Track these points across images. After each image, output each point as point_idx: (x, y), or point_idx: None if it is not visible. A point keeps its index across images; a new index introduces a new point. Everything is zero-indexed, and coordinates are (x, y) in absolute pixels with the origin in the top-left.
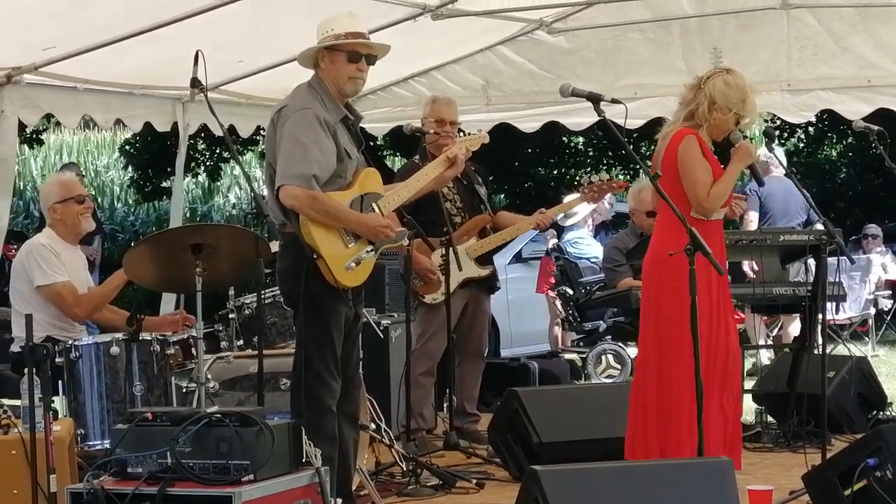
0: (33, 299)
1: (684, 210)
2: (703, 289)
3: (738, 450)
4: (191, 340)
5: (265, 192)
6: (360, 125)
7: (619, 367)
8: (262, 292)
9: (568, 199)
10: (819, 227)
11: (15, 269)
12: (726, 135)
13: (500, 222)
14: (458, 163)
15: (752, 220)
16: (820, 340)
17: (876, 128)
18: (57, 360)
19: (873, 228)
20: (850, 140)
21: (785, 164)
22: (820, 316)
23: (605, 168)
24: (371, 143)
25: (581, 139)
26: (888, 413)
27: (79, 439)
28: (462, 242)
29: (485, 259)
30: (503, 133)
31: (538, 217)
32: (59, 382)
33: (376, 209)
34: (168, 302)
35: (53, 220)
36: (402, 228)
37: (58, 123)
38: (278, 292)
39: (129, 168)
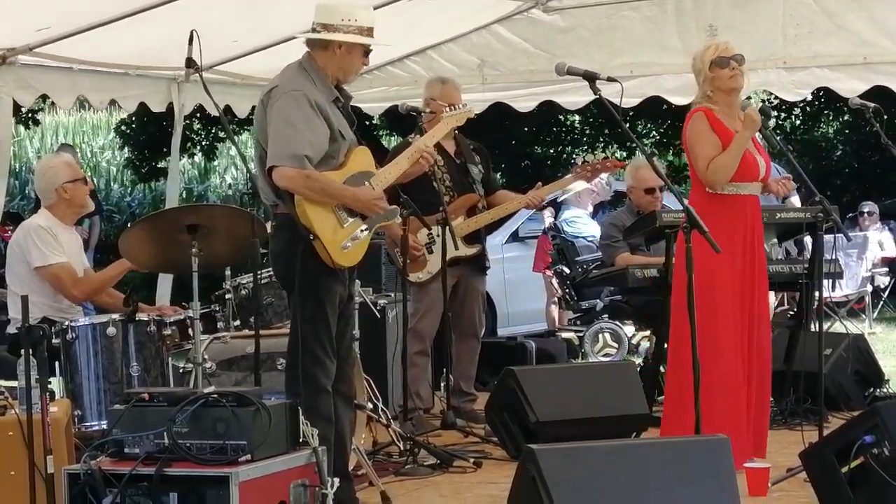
0: (30, 280)
1: (703, 185)
2: (727, 266)
3: (765, 436)
4: (187, 321)
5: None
6: (356, 104)
7: (615, 345)
8: (259, 272)
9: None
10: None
11: (11, 251)
12: (733, 83)
13: (498, 201)
14: (425, 159)
15: (795, 205)
16: (817, 318)
17: (872, 105)
18: (54, 341)
19: (869, 205)
20: (846, 117)
21: (774, 143)
22: (817, 293)
23: (601, 146)
24: (367, 123)
25: (577, 117)
26: (885, 390)
27: (76, 420)
28: (450, 221)
29: (473, 238)
30: (499, 112)
31: (530, 196)
32: (56, 363)
33: (369, 186)
34: (164, 282)
35: (59, 199)
36: (393, 206)
37: (53, 104)
38: None
39: (125, 149)
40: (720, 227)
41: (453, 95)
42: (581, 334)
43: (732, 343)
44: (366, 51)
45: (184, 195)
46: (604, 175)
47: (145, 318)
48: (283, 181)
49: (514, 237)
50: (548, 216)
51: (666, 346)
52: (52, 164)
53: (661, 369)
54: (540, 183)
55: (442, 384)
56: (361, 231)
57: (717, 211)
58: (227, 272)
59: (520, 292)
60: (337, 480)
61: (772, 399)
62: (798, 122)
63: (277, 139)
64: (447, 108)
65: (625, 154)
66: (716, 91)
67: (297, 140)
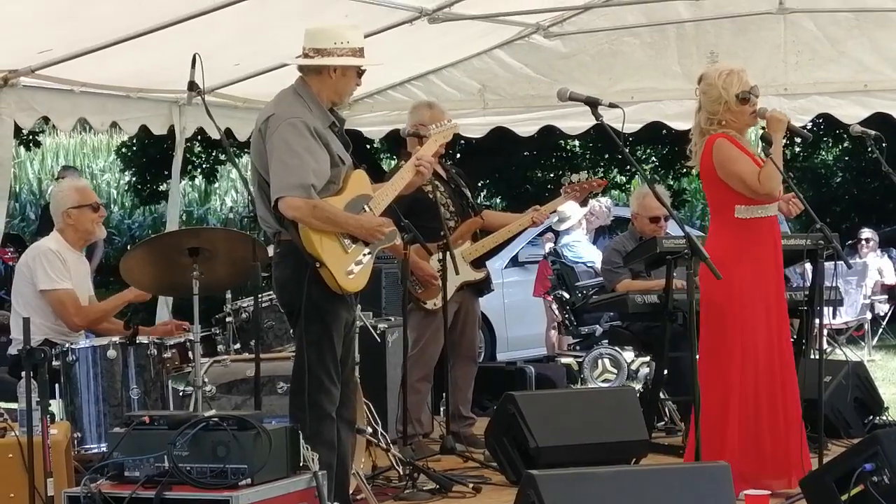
0: (35, 302)
1: (728, 212)
2: (760, 295)
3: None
4: (188, 344)
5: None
6: (357, 128)
7: (615, 370)
8: (260, 296)
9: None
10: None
11: (19, 271)
12: (751, 120)
13: (490, 222)
14: (424, 168)
15: None
16: (817, 345)
17: (873, 132)
18: (54, 363)
19: (869, 232)
20: (846, 144)
21: (805, 134)
22: (817, 321)
23: (601, 170)
24: (368, 146)
25: (577, 142)
26: (885, 418)
27: (76, 443)
28: (457, 246)
29: (479, 262)
30: (500, 137)
31: (533, 214)
32: (56, 386)
33: (367, 210)
34: (164, 305)
35: (65, 225)
36: (392, 228)
37: (55, 126)
38: (275, 296)
39: (126, 171)
40: (750, 252)
41: (440, 118)
42: (580, 360)
43: (760, 368)
44: (359, 72)
45: (184, 218)
46: (603, 199)
47: (145, 341)
48: (291, 211)
49: (514, 262)
50: (548, 241)
51: (665, 372)
52: (62, 188)
53: (661, 395)
54: (537, 206)
55: (441, 409)
56: (365, 255)
57: (748, 236)
58: (228, 295)
59: (519, 317)
60: None
61: None
62: (798, 149)
63: (281, 169)
64: (433, 126)
65: (625, 178)
66: (731, 122)
67: (301, 170)
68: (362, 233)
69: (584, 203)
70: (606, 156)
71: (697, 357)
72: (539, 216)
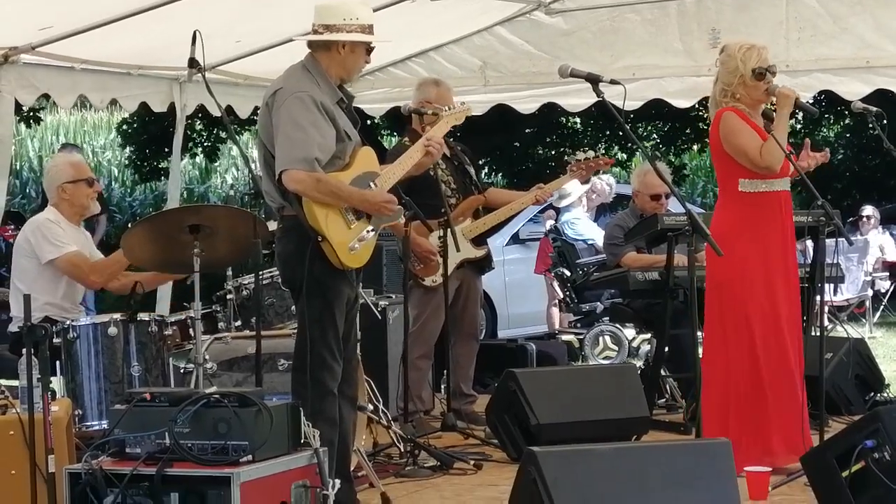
0: (40, 276)
1: (733, 185)
2: (763, 270)
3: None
4: (188, 321)
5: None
6: (358, 105)
7: (616, 348)
8: (261, 273)
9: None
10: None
11: (19, 247)
12: (764, 97)
13: (494, 199)
14: (434, 153)
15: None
16: (818, 322)
17: (874, 109)
18: (55, 340)
19: (869, 209)
20: (847, 121)
21: (812, 110)
22: (818, 297)
23: (603, 147)
24: (368, 123)
25: (579, 119)
26: (886, 395)
27: (77, 420)
28: (458, 224)
29: (479, 240)
30: (501, 114)
31: (537, 192)
32: (57, 363)
33: (374, 187)
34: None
35: (59, 199)
36: (398, 206)
37: (55, 103)
38: (276, 273)
39: (127, 148)
40: (757, 227)
41: (447, 97)
42: (581, 337)
43: (755, 344)
44: (368, 49)
45: (185, 195)
46: (606, 177)
47: (146, 318)
48: (294, 184)
49: (515, 239)
50: (548, 219)
51: (666, 349)
52: (57, 163)
53: (662, 372)
54: (541, 183)
55: (442, 386)
56: (368, 232)
57: (752, 211)
58: (229, 272)
59: (520, 295)
60: (338, 482)
61: None
62: (799, 125)
63: (286, 143)
64: (445, 108)
65: (625, 156)
66: (744, 97)
67: (306, 143)
68: (368, 206)
69: (585, 181)
70: (608, 132)
71: (700, 333)
72: (542, 194)
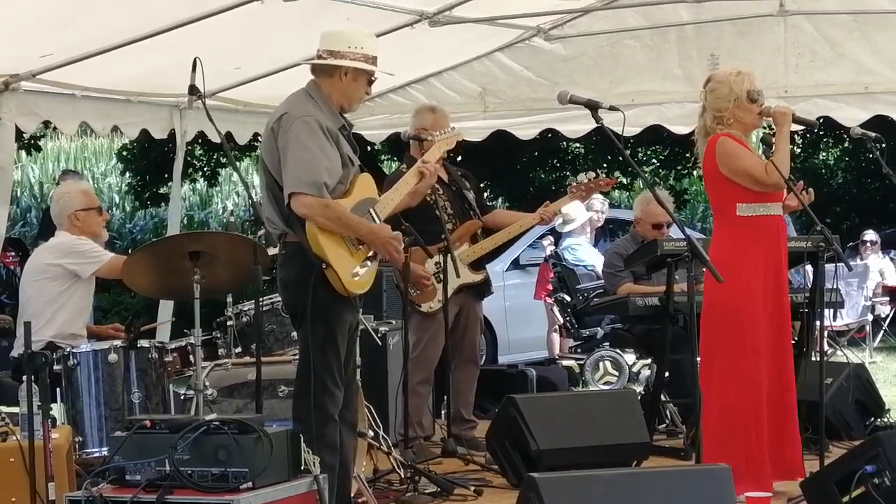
0: (60, 297)
1: (730, 211)
2: (761, 294)
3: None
4: (189, 347)
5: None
6: (358, 132)
7: (616, 373)
8: (261, 299)
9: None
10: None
11: (38, 270)
12: (758, 120)
13: (497, 221)
14: (427, 176)
15: None
16: (818, 347)
17: (873, 134)
18: (55, 367)
19: (871, 234)
20: (846, 144)
21: (812, 123)
22: (818, 322)
23: (604, 173)
24: (369, 149)
25: (579, 144)
26: (886, 420)
27: (77, 447)
28: (455, 249)
29: (478, 264)
30: (502, 139)
31: (541, 211)
32: (58, 390)
33: (373, 214)
34: (166, 309)
35: (71, 226)
36: (396, 232)
37: (55, 129)
38: (277, 299)
39: (127, 174)
40: (752, 251)
41: (443, 123)
42: (582, 362)
43: (758, 369)
44: (369, 80)
45: (185, 221)
46: (599, 196)
47: (146, 345)
48: (302, 209)
49: (516, 265)
50: (548, 244)
51: (667, 374)
52: (68, 191)
53: (662, 397)
54: (548, 202)
55: (442, 412)
56: (370, 258)
57: (751, 236)
58: (229, 299)
59: (520, 320)
60: None
61: None
62: (798, 150)
63: (294, 166)
64: (437, 133)
65: (628, 179)
66: (737, 122)
67: (314, 167)
68: (373, 239)
69: (589, 207)
70: (609, 157)
71: (699, 359)
72: (547, 212)
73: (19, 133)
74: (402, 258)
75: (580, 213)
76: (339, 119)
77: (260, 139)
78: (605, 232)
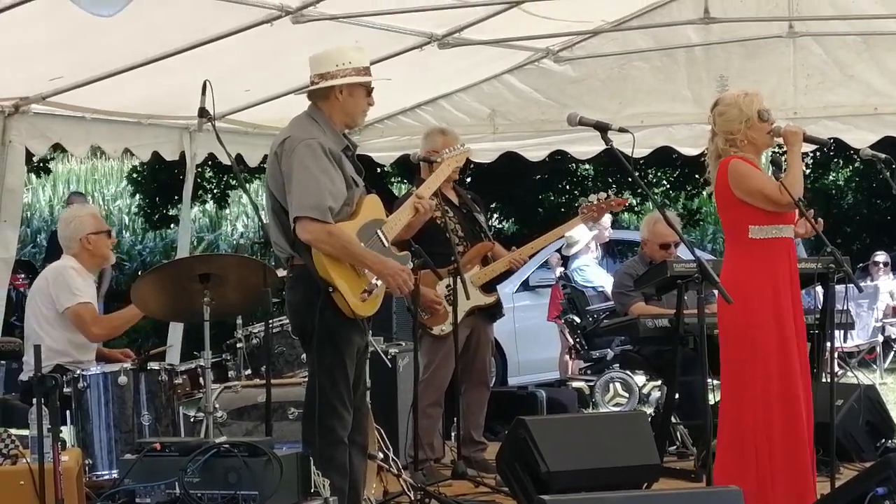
0: (56, 322)
1: (743, 233)
2: (776, 317)
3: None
4: (198, 370)
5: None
6: (368, 153)
7: (626, 395)
8: (271, 321)
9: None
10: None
11: (41, 293)
12: (769, 140)
13: (497, 253)
14: (422, 212)
15: None
16: (828, 368)
17: (883, 156)
18: (65, 389)
19: (882, 255)
20: (857, 165)
21: (824, 141)
22: (828, 344)
23: (614, 193)
24: (378, 171)
25: (589, 165)
26: None
27: (87, 469)
28: (466, 271)
29: (489, 286)
30: (511, 160)
31: (511, 256)
32: (68, 412)
33: (381, 235)
34: (175, 331)
35: (81, 249)
36: (404, 252)
37: (65, 152)
38: (286, 321)
39: (137, 196)
40: (766, 274)
41: (453, 145)
42: (592, 384)
43: (770, 392)
44: (368, 90)
45: (195, 243)
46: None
47: (156, 367)
48: (306, 234)
49: (526, 286)
50: (558, 266)
51: (677, 396)
52: (79, 215)
53: (673, 419)
54: (514, 247)
55: (453, 433)
56: (377, 281)
57: (764, 257)
58: (239, 321)
59: (530, 341)
60: None
61: None
62: (808, 170)
63: (298, 190)
64: (446, 150)
65: (638, 200)
66: (749, 144)
67: (318, 191)
68: (381, 269)
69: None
70: (619, 177)
71: (711, 381)
72: (516, 261)
73: (29, 156)
74: (409, 291)
75: (583, 234)
76: (343, 140)
77: None
78: (614, 252)
